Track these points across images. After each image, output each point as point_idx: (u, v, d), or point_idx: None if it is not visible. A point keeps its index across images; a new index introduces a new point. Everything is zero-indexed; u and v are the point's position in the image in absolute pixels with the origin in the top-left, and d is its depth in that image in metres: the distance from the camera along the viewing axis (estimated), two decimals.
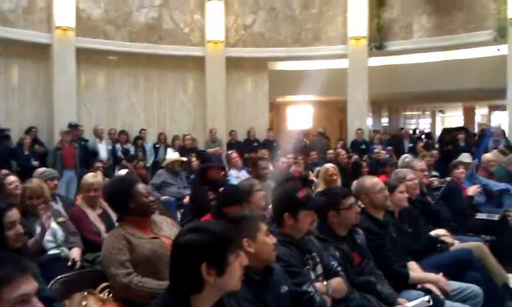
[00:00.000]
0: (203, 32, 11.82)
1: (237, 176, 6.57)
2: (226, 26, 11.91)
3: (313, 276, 2.44)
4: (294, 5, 12.24)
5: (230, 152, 7.91)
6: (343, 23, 11.83)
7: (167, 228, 2.78)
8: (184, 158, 7.77)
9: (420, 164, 4.92)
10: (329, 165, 5.19)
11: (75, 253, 3.57)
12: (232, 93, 12.28)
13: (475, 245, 3.81)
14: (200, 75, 11.98)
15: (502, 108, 12.67)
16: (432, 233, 3.83)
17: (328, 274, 2.52)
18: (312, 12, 12.16)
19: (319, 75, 12.22)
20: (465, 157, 6.32)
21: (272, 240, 2.16)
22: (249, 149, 10.06)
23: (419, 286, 3.00)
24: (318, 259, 2.51)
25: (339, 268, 2.57)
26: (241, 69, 12.48)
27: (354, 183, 5.76)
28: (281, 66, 13.49)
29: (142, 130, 10.94)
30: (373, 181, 3.37)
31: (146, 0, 11.41)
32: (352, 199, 2.94)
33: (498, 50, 10.29)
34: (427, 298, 2.65)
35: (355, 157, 8.12)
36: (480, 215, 5.37)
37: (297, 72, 13.10)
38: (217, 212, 3.23)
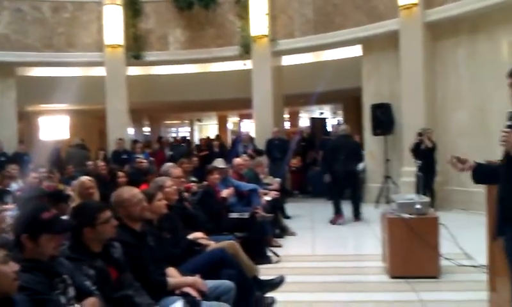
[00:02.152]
0: None
1: None
2: None
3: (64, 300, 2.26)
4: (44, 8, 11.35)
5: None
6: (98, 30, 11.49)
7: None
8: None
9: (176, 170, 5.10)
10: (85, 178, 4.93)
11: None
12: None
13: (228, 243, 4.12)
14: None
15: (250, 116, 14.11)
16: (190, 236, 4.00)
17: (82, 295, 2.36)
18: (64, 16, 11.48)
19: (74, 82, 11.60)
20: (219, 162, 6.81)
21: (11, 268, 1.90)
22: None
23: (178, 291, 3.07)
24: (70, 281, 2.33)
25: (93, 288, 2.44)
26: None
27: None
28: (31, 72, 12.32)
29: None
30: (131, 193, 3.31)
31: None
32: (108, 213, 2.83)
33: (245, 64, 11.43)
34: (179, 302, 2.73)
35: (114, 167, 7.94)
36: (233, 215, 5.86)
37: (50, 79, 12.14)
38: None
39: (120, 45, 11.39)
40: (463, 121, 8.80)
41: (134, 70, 12.41)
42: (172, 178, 4.60)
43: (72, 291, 2.32)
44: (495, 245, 3.71)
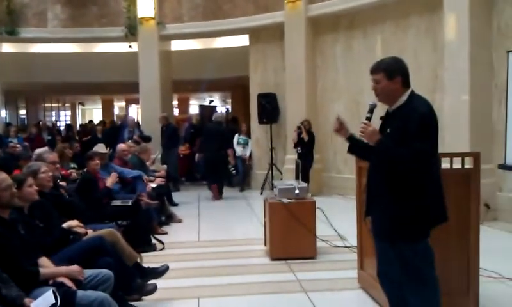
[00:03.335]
0: None
1: None
2: None
3: None
4: None
5: None
6: None
7: None
8: None
9: (51, 156, 4.81)
10: None
11: None
12: None
13: (107, 231, 3.99)
14: None
15: (137, 101, 13.73)
16: (65, 225, 3.80)
17: None
18: None
19: None
20: (100, 147, 6.52)
21: None
22: None
23: (51, 281, 2.92)
24: None
25: None
26: None
27: None
28: None
29: None
30: None
31: None
32: None
33: (130, 46, 11.03)
34: (50, 291, 2.60)
35: None
36: (116, 202, 5.66)
37: None
38: None
39: None
40: (340, 111, 9.35)
41: (8, 47, 11.43)
42: (47, 164, 4.32)
43: None
44: (363, 228, 4.04)
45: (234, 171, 10.17)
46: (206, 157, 9.43)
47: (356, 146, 3.04)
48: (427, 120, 2.69)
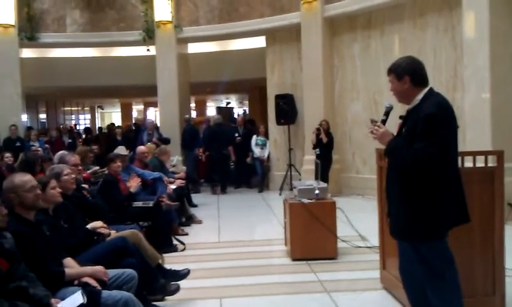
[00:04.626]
0: None
1: None
2: None
3: None
4: None
5: None
6: None
7: None
8: None
9: (73, 158, 4.88)
10: None
11: None
12: None
13: (130, 232, 4.03)
14: None
15: (155, 104, 13.85)
16: (89, 226, 3.85)
17: None
18: None
19: None
20: (121, 150, 6.59)
21: None
22: None
23: (76, 282, 2.96)
24: None
25: None
26: None
27: None
28: None
29: None
30: (23, 179, 3.09)
31: None
32: None
33: (148, 50, 11.13)
34: (79, 292, 2.64)
35: (7, 155, 7.41)
36: (137, 204, 5.71)
37: None
38: None
39: (11, 25, 10.57)
40: (358, 111, 9.33)
41: (28, 53, 11.63)
42: (70, 166, 4.39)
43: None
44: (385, 228, 4.01)
45: (233, 166, 10.98)
46: (211, 157, 10.40)
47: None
48: (432, 121, 2.63)
